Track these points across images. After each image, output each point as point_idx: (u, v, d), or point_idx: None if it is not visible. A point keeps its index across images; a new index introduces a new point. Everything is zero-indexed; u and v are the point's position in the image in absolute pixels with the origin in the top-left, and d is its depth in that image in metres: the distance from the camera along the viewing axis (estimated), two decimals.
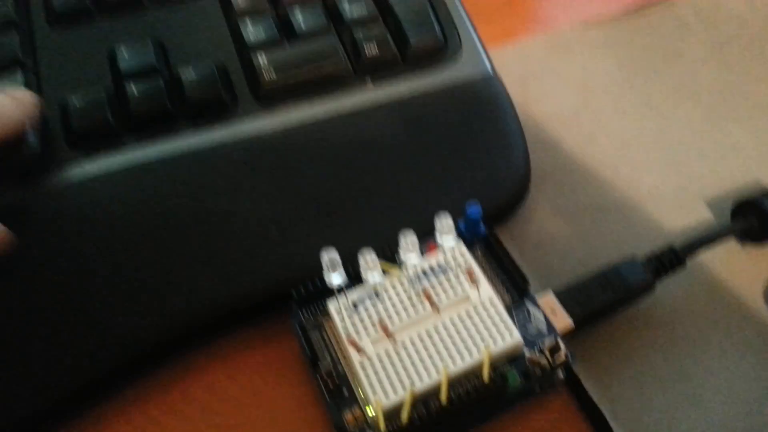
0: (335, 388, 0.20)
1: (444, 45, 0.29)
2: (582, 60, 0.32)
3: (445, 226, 0.20)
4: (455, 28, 0.29)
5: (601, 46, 0.33)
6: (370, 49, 0.28)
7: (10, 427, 0.20)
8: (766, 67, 0.32)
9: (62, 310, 0.22)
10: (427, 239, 0.22)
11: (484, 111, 0.27)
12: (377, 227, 0.24)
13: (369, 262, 0.20)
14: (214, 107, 0.26)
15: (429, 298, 0.21)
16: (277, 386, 0.22)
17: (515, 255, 0.23)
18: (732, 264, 0.25)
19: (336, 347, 0.21)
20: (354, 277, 0.22)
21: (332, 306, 0.21)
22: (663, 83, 0.31)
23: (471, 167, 0.26)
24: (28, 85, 0.26)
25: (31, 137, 0.24)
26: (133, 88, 0.26)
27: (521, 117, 0.28)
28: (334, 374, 0.21)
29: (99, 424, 0.22)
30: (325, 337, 0.22)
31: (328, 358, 0.21)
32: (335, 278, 0.20)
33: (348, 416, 0.20)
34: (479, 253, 0.23)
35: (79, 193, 0.24)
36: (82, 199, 0.24)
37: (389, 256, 0.22)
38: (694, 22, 0.34)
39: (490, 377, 0.20)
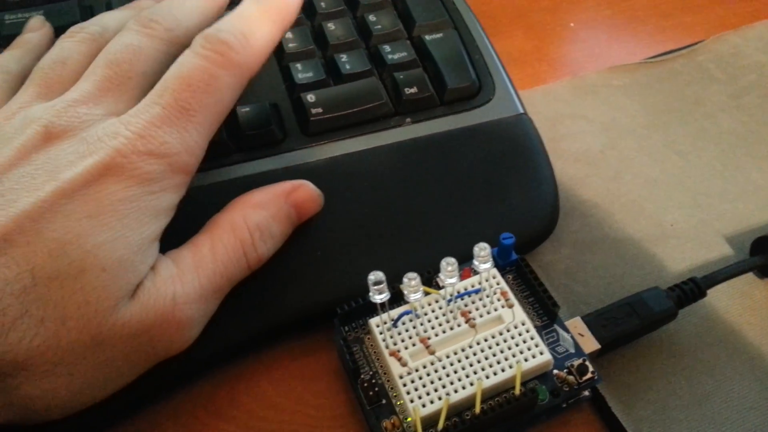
0: (375, 398, 0.22)
1: (478, 87, 0.31)
2: (607, 103, 0.34)
3: (483, 254, 0.22)
4: (489, 71, 0.31)
5: (625, 91, 0.35)
6: (410, 91, 0.30)
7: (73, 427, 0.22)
8: None
9: None
10: (462, 266, 0.24)
11: (516, 148, 0.29)
12: (415, 253, 0.26)
13: (413, 284, 0.21)
14: (267, 141, 0.28)
15: (466, 316, 0.22)
16: (318, 395, 0.24)
17: (544, 282, 0.25)
18: (750, 296, 0.26)
19: (375, 360, 0.23)
20: (394, 298, 0.23)
21: (373, 322, 0.23)
22: (685, 127, 0.33)
23: (504, 199, 0.28)
24: None
25: None
26: None
27: (550, 154, 0.29)
28: (374, 385, 0.22)
29: (152, 426, 0.23)
30: (366, 352, 0.23)
31: (369, 371, 0.23)
32: (379, 297, 0.22)
33: (386, 424, 0.21)
34: (511, 279, 0.25)
35: None
36: None
37: (427, 280, 0.24)
38: (714, 70, 0.36)
39: (522, 392, 0.21)
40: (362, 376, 0.22)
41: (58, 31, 0.30)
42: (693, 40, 0.37)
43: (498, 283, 0.23)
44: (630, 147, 0.32)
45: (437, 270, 0.22)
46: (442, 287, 0.23)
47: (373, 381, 0.22)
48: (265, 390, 0.24)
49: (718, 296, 0.26)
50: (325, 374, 0.25)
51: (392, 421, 0.21)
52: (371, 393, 0.22)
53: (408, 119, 0.30)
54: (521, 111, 0.30)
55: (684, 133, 0.33)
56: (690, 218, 0.29)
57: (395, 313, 0.23)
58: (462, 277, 0.24)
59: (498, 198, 0.28)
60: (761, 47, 0.37)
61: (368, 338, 0.24)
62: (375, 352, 0.23)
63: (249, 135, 0.28)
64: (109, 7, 0.33)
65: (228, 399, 0.24)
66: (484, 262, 0.22)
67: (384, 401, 0.22)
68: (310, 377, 0.25)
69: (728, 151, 0.32)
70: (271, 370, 0.25)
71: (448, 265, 0.21)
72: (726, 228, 0.29)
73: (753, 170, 0.31)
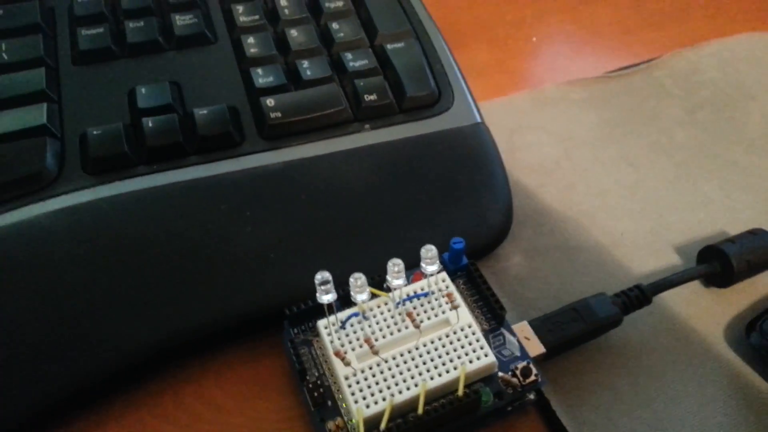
0: (320, 399, 0.22)
1: (437, 96, 0.31)
2: (565, 115, 0.35)
3: (429, 255, 0.22)
4: (448, 81, 0.32)
5: (583, 104, 0.36)
6: (369, 98, 0.30)
7: (8, 426, 0.22)
8: (736, 130, 0.35)
9: (68, 317, 0.23)
10: (413, 270, 0.24)
11: (472, 156, 0.29)
12: (368, 257, 0.26)
13: (358, 283, 0.21)
14: (223, 142, 0.28)
15: (412, 318, 0.23)
16: (264, 397, 0.24)
17: (495, 288, 0.25)
18: (696, 304, 0.27)
19: (323, 363, 0.23)
20: (344, 302, 0.23)
21: (321, 323, 0.23)
22: (640, 140, 0.34)
23: (457, 206, 0.28)
24: (51, 116, 0.28)
25: (49, 161, 0.27)
26: (149, 123, 0.28)
27: (507, 164, 0.30)
28: (320, 387, 0.22)
29: (94, 427, 0.23)
30: (314, 354, 0.23)
31: (315, 372, 0.23)
32: (326, 297, 0.22)
33: (330, 425, 0.21)
34: (461, 283, 0.25)
35: (89, 212, 0.26)
36: (92, 218, 0.26)
37: (378, 283, 0.24)
38: (670, 86, 0.37)
39: (465, 393, 0.21)
40: (308, 378, 0.22)
41: (17, 31, 0.30)
42: (653, 56, 0.38)
43: (447, 287, 0.24)
44: (585, 158, 0.33)
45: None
46: (391, 290, 0.23)
47: (319, 383, 0.22)
48: (212, 393, 0.24)
49: (664, 303, 0.27)
50: (275, 377, 0.25)
51: (336, 422, 0.21)
52: (316, 394, 0.22)
53: (367, 126, 0.30)
54: (479, 120, 0.31)
55: (638, 145, 0.34)
56: (640, 228, 0.30)
57: (343, 315, 0.23)
58: (413, 281, 0.24)
59: (452, 205, 0.28)
60: (716, 64, 0.38)
61: (316, 340, 0.24)
62: (323, 354, 0.23)
63: (206, 137, 0.28)
64: (71, 10, 0.33)
65: (173, 401, 0.24)
66: (431, 264, 0.22)
67: (330, 403, 0.22)
68: (259, 380, 0.24)
69: (681, 164, 0.33)
70: (219, 374, 0.25)
71: (395, 266, 0.22)
72: (675, 238, 0.29)
73: (704, 183, 0.32)
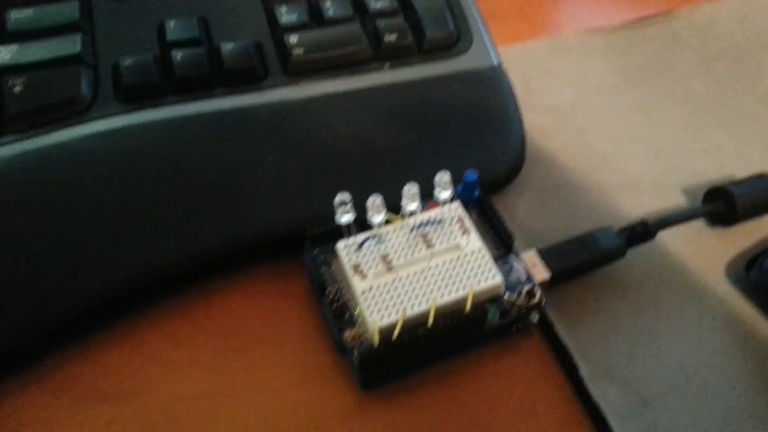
0: (338, 312, 0.23)
1: (456, 38, 0.32)
2: (581, 63, 0.36)
3: (442, 181, 0.24)
4: (467, 24, 0.33)
5: (600, 52, 0.36)
6: (390, 38, 0.31)
7: (47, 330, 0.24)
8: (750, 81, 0.35)
9: (104, 231, 0.25)
10: (428, 200, 0.26)
11: (488, 97, 0.30)
12: (384, 187, 0.27)
13: (375, 203, 0.23)
14: (248, 76, 0.29)
15: (425, 240, 0.24)
16: (286, 311, 0.25)
17: (507, 221, 0.26)
18: (699, 241, 0.28)
19: (341, 281, 0.24)
20: (362, 227, 0.25)
21: (340, 244, 0.24)
22: (654, 89, 0.35)
23: (472, 144, 0.29)
24: (85, 46, 0.29)
25: (84, 88, 0.28)
26: (177, 55, 0.29)
27: (522, 107, 0.31)
28: (338, 300, 0.24)
29: (130, 331, 0.25)
30: (333, 272, 0.25)
31: (334, 288, 0.24)
32: (344, 217, 0.23)
33: (347, 335, 0.23)
34: (473, 214, 0.27)
35: (122, 137, 0.27)
36: (125, 142, 0.27)
37: (393, 211, 0.25)
38: (687, 37, 0.37)
39: (472, 310, 0.23)
40: (327, 292, 0.24)
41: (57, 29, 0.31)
42: (672, 8, 0.39)
43: (458, 213, 0.25)
44: (599, 105, 0.34)
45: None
46: (406, 217, 0.25)
47: (338, 297, 0.24)
48: (238, 306, 0.26)
49: (668, 240, 0.28)
50: (296, 294, 0.26)
51: (353, 332, 0.23)
52: (335, 307, 0.23)
53: (387, 65, 0.31)
54: (496, 63, 0.32)
55: (652, 94, 0.34)
56: (649, 171, 0.31)
57: (360, 238, 0.24)
58: (428, 209, 0.26)
59: (467, 142, 0.29)
60: (734, 17, 0.38)
61: (335, 261, 0.25)
62: (341, 273, 0.25)
63: (231, 70, 0.29)
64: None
65: (203, 312, 0.26)
66: (445, 190, 0.23)
67: (347, 316, 0.24)
68: (281, 296, 0.26)
69: (694, 112, 0.34)
70: (244, 290, 0.26)
71: (410, 189, 0.23)
72: (683, 181, 0.30)
73: (715, 130, 0.33)
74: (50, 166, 0.26)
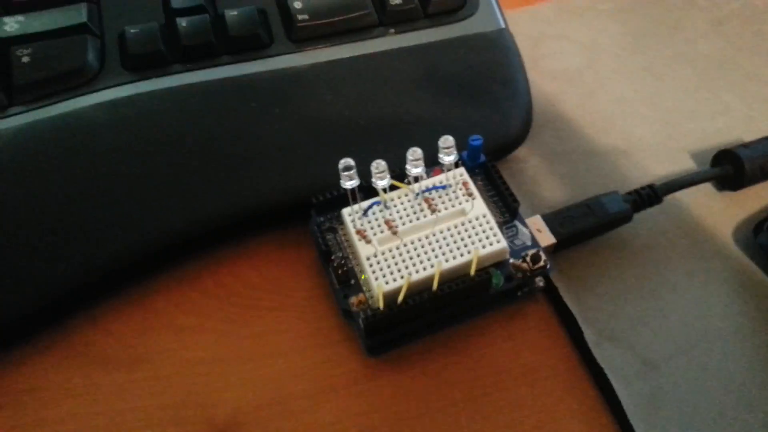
0: (344, 278, 0.24)
1: (462, 2, 0.32)
2: (590, 25, 0.35)
3: (446, 145, 0.23)
4: None
5: (609, 14, 0.36)
6: (395, 2, 0.31)
7: (59, 296, 0.24)
8: (761, 43, 0.35)
9: (112, 199, 0.25)
10: (434, 167, 0.26)
11: (495, 61, 0.30)
12: (389, 153, 0.27)
13: (379, 168, 0.23)
14: (253, 44, 0.29)
15: (430, 205, 0.24)
16: (294, 278, 0.26)
17: (512, 186, 0.26)
18: (706, 206, 0.28)
19: (347, 247, 0.25)
20: (367, 194, 0.25)
21: (345, 211, 0.24)
22: (664, 50, 0.34)
23: (478, 109, 0.29)
24: (91, 15, 0.29)
25: (91, 57, 0.28)
26: (182, 23, 0.29)
27: (530, 71, 0.30)
28: (344, 266, 0.24)
29: (141, 297, 0.25)
30: (338, 239, 0.25)
31: (340, 254, 0.24)
32: (349, 183, 0.23)
33: (353, 300, 0.23)
34: (478, 180, 0.27)
35: (129, 106, 0.27)
36: (132, 111, 0.27)
37: (399, 176, 0.25)
38: None
39: (476, 274, 0.23)
40: (333, 258, 0.24)
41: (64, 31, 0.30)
42: None
43: (463, 177, 0.25)
44: (607, 67, 0.33)
45: None
46: (411, 183, 0.25)
47: (343, 263, 0.24)
48: (246, 273, 0.26)
49: (676, 204, 0.28)
50: (303, 262, 0.26)
51: (359, 297, 0.23)
52: (340, 272, 0.24)
53: (392, 30, 0.31)
54: (503, 26, 0.31)
55: (662, 56, 0.34)
56: (657, 134, 0.30)
57: (366, 204, 0.24)
58: (433, 175, 0.26)
59: (473, 107, 0.29)
60: None
61: (341, 228, 0.25)
62: (346, 240, 0.25)
63: (236, 37, 0.29)
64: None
65: (212, 279, 0.26)
66: (449, 155, 0.23)
67: (353, 282, 0.24)
68: (288, 264, 0.26)
69: (703, 74, 0.33)
70: (252, 258, 0.27)
71: (413, 154, 0.23)
72: (692, 144, 0.30)
73: (725, 93, 0.32)
74: (59, 136, 0.27)
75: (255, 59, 0.29)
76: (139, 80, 0.28)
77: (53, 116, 0.27)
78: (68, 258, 0.24)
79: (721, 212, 0.28)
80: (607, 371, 0.23)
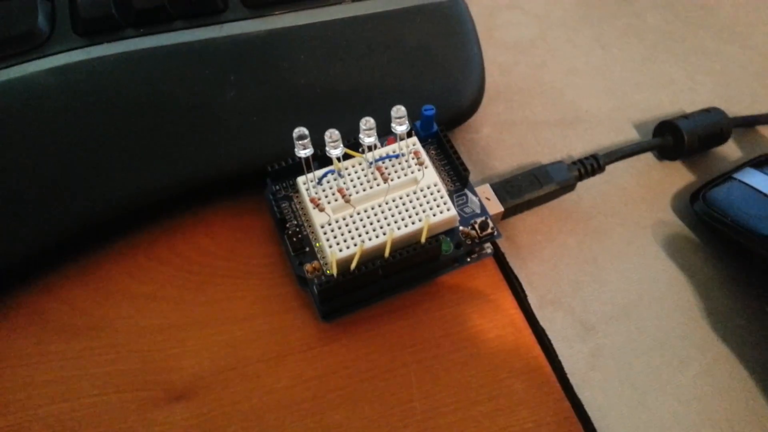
0: (299, 245, 0.24)
1: None
2: None
3: (398, 114, 0.24)
4: None
5: None
6: None
7: (12, 264, 0.24)
8: (707, 16, 0.36)
9: (64, 165, 0.25)
10: (388, 136, 0.26)
11: (449, 31, 0.31)
12: (344, 122, 0.28)
13: (333, 137, 0.23)
14: (206, 8, 0.29)
15: (382, 174, 0.25)
16: (249, 245, 0.26)
17: (463, 156, 0.27)
18: (647, 175, 0.29)
19: (302, 216, 0.25)
20: (322, 163, 0.25)
21: (300, 179, 0.25)
22: (614, 21, 0.35)
23: (431, 78, 0.29)
24: None
25: (41, 21, 0.27)
26: None
27: (483, 42, 0.31)
28: (299, 234, 0.24)
29: (97, 268, 0.26)
30: (294, 208, 0.25)
31: (295, 222, 0.25)
32: (303, 152, 0.24)
33: (308, 267, 0.24)
34: (431, 149, 0.27)
35: (81, 71, 0.27)
36: (84, 76, 0.27)
37: (353, 145, 0.26)
38: None
39: (427, 241, 0.24)
40: (288, 226, 0.25)
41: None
42: None
43: (415, 146, 0.25)
44: (559, 38, 0.34)
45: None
46: (365, 152, 0.25)
47: (298, 231, 0.24)
48: (202, 240, 0.26)
49: (618, 173, 0.29)
50: (259, 229, 0.27)
51: (313, 264, 0.24)
52: (295, 240, 0.24)
53: None
54: None
55: (612, 27, 0.35)
56: (604, 105, 0.31)
57: (320, 172, 0.25)
58: (387, 144, 0.26)
59: (426, 76, 0.29)
60: None
61: (296, 196, 0.26)
62: (301, 209, 0.25)
63: (189, 1, 0.29)
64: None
65: (167, 247, 0.26)
66: (401, 125, 0.24)
67: (308, 249, 0.24)
68: (244, 231, 0.27)
69: (650, 46, 0.34)
70: (208, 225, 0.27)
71: (365, 123, 0.23)
72: (636, 116, 0.31)
73: (670, 65, 0.33)
74: (11, 101, 0.26)
75: (210, 24, 0.29)
76: (90, 45, 0.28)
77: (3, 81, 0.26)
78: (19, 226, 0.24)
79: (660, 181, 0.29)
80: (548, 333, 0.25)
